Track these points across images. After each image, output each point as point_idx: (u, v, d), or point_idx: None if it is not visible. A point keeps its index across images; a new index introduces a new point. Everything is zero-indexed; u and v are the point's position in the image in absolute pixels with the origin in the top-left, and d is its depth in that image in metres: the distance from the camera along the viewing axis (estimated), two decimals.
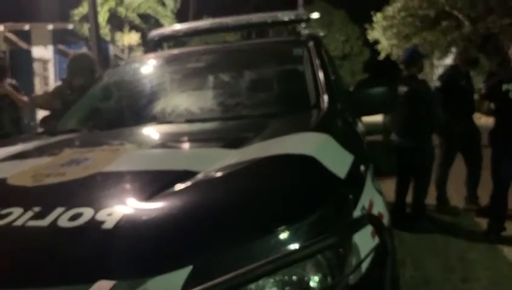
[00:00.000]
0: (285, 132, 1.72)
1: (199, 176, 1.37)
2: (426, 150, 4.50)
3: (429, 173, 4.63)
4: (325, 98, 2.22)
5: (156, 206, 1.22)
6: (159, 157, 1.71)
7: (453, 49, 19.82)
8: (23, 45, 10.62)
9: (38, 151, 2.09)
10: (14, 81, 5.08)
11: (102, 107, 2.90)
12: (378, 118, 7.91)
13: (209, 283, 0.94)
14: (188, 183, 1.32)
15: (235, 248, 1.04)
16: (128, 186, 1.42)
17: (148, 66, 3.18)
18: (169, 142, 2.03)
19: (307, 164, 1.38)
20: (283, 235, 1.07)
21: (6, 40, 10.22)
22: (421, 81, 4.86)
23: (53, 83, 13.41)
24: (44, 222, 1.16)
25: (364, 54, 33.13)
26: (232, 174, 1.37)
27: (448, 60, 21.07)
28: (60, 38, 12.51)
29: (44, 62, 13.48)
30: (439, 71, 20.94)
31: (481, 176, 4.92)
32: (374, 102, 2.32)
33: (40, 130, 3.05)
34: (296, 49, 2.85)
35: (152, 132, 2.25)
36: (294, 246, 1.05)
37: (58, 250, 1.10)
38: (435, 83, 5.25)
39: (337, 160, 1.47)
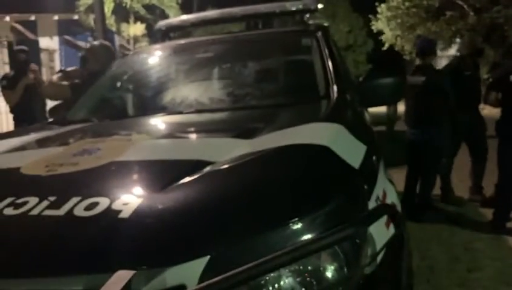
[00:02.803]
0: (296, 122, 1.72)
1: (213, 166, 1.36)
2: (434, 140, 4.49)
3: (438, 163, 4.65)
4: (335, 88, 2.23)
5: (172, 195, 1.22)
6: (171, 147, 1.71)
7: (457, 40, 19.72)
8: (29, 35, 10.65)
9: (50, 141, 2.10)
10: (37, 67, 5.25)
11: (112, 97, 2.92)
12: (382, 109, 7.92)
13: (227, 274, 0.94)
14: (203, 173, 1.32)
15: (252, 238, 1.04)
16: (142, 175, 1.42)
17: (158, 56, 3.18)
18: (181, 132, 2.04)
19: (321, 154, 1.37)
20: (300, 226, 1.06)
21: (13, 30, 10.25)
22: (438, 71, 4.86)
23: None
24: (61, 211, 1.16)
25: (368, 44, 32.95)
26: (247, 164, 1.37)
27: (452, 51, 20.95)
28: (65, 28, 12.52)
29: (50, 53, 13.49)
30: (442, 62, 20.86)
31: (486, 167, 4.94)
32: (383, 93, 2.31)
33: (49, 119, 3.05)
34: (305, 39, 2.85)
35: (162, 122, 2.26)
36: (311, 237, 1.05)
37: (75, 239, 1.09)
38: None
39: (350, 150, 1.46)
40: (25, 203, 1.21)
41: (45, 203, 1.20)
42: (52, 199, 1.22)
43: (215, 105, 2.41)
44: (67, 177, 1.41)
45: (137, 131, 2.14)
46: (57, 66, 13.72)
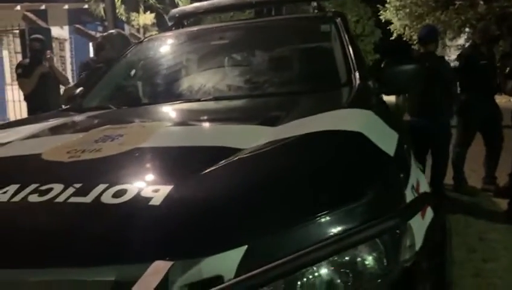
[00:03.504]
0: (322, 109, 1.67)
1: (242, 153, 1.32)
2: (442, 129, 4.50)
3: (446, 152, 4.64)
4: (357, 75, 2.20)
5: (204, 182, 1.18)
6: (194, 134, 1.68)
7: (467, 29, 19.55)
8: (41, 23, 10.67)
9: (68, 128, 2.10)
10: (52, 55, 5.30)
11: (127, 84, 2.91)
12: (391, 98, 7.87)
13: (268, 266, 0.91)
14: (233, 160, 1.27)
15: (289, 228, 1.00)
16: (168, 162, 1.38)
17: (173, 43, 3.15)
18: (202, 119, 2.02)
19: (356, 141, 1.32)
20: (339, 216, 1.02)
21: (26, 18, 10.28)
22: (440, 58, 4.84)
23: (69, 63, 13.48)
24: (87, 199, 1.11)
25: (376, 34, 32.68)
26: (279, 150, 1.33)
27: (461, 41, 20.79)
28: (75, 18, 12.53)
29: (60, 42, 13.50)
30: (451, 51, 20.69)
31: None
32: (403, 80, 2.27)
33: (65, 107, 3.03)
34: (324, 25, 2.78)
35: (181, 110, 2.24)
36: (350, 228, 1.00)
37: (104, 227, 1.05)
38: (454, 62, 5.24)
39: (384, 137, 1.41)
40: (50, 190, 1.17)
41: (71, 190, 1.16)
42: (77, 185, 1.18)
43: (233, 92, 2.38)
44: (91, 163, 1.38)
45: (157, 118, 2.15)
46: (68, 55, 13.76)
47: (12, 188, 1.22)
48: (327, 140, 1.36)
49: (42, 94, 5.27)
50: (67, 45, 13.92)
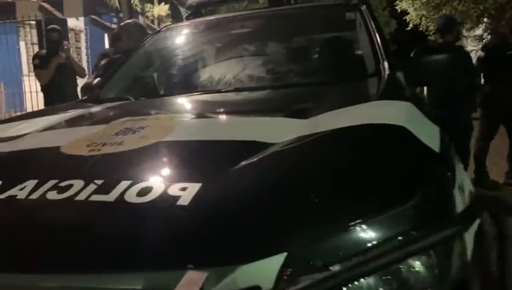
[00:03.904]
0: (355, 100, 1.57)
1: (276, 148, 1.23)
2: (461, 121, 4.37)
3: (467, 146, 4.53)
4: (386, 65, 2.11)
5: (236, 180, 1.10)
6: (221, 127, 1.61)
7: (485, 20, 19.20)
8: (57, 14, 10.72)
9: (86, 119, 2.05)
10: (69, 45, 5.32)
11: (145, 75, 2.85)
12: None
13: (318, 277, 0.83)
14: (266, 156, 1.18)
15: (333, 234, 0.90)
16: (195, 157, 1.29)
17: (192, 32, 3.08)
18: (225, 111, 1.96)
19: (401, 136, 1.22)
20: (387, 220, 0.92)
21: (42, 9, 10.32)
22: (459, 48, 4.73)
23: (84, 55, 13.53)
24: (110, 197, 1.04)
25: (391, 25, 32.32)
26: (316, 146, 1.23)
27: (479, 31, 20.45)
28: (91, 9, 12.52)
29: (76, 33, 13.54)
30: (468, 42, 20.37)
31: None
32: (433, 71, 2.18)
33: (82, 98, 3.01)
34: (349, 13, 2.68)
35: (202, 101, 2.17)
36: (399, 233, 0.90)
37: (130, 230, 0.97)
38: (478, 53, 5.12)
39: (426, 131, 1.31)
40: (70, 186, 1.10)
41: (92, 187, 1.09)
42: (99, 182, 1.11)
43: (255, 83, 2.29)
44: (113, 158, 1.31)
45: (177, 110, 2.10)
46: (83, 46, 13.81)
47: (30, 184, 1.15)
48: (369, 135, 1.25)
49: (59, 85, 5.28)
50: (82, 36, 13.98)
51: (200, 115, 1.88)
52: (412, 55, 2.21)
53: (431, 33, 20.36)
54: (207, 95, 2.24)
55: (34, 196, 1.10)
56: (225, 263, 0.86)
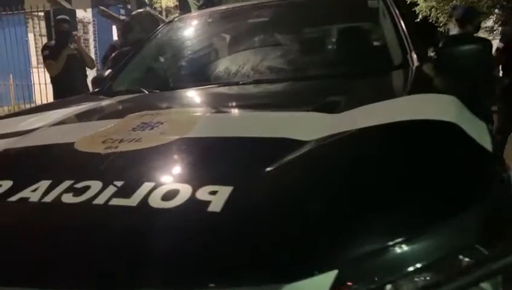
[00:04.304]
0: (388, 94, 1.46)
1: (310, 146, 1.11)
2: (484, 115, 4.29)
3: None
4: (413, 55, 2.00)
5: (271, 183, 0.98)
6: (244, 122, 1.49)
7: (496, 11, 18.97)
8: (65, 5, 10.65)
9: (100, 113, 1.96)
10: (79, 35, 5.27)
11: (159, 66, 2.74)
12: None
13: None
14: (301, 155, 1.07)
15: (390, 247, 0.79)
16: (222, 155, 1.19)
17: (207, 22, 2.94)
18: (247, 105, 1.85)
19: (453, 134, 1.09)
20: (452, 232, 0.81)
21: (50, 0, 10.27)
22: (482, 38, 4.63)
23: (93, 46, 13.49)
24: (132, 201, 0.93)
25: None
26: (361, 145, 1.11)
27: (490, 23, 20.20)
28: (98, 0, 12.48)
29: (84, 24, 13.48)
30: (479, 34, 20.13)
31: None
32: (465, 62, 2.05)
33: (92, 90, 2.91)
34: (371, 0, 2.55)
35: (221, 94, 2.07)
36: (467, 246, 0.80)
37: (155, 242, 0.85)
38: (497, 44, 5.01)
39: (476, 128, 1.19)
40: (87, 188, 1.00)
41: (111, 189, 0.99)
42: (118, 184, 1.01)
43: (274, 75, 2.18)
44: (131, 156, 1.20)
45: (196, 103, 2.01)
46: (91, 38, 13.76)
47: (43, 185, 1.05)
48: (417, 132, 1.13)
49: (69, 77, 5.22)
50: (90, 28, 13.91)
51: (221, 109, 1.75)
52: (440, 45, 2.10)
53: (441, 25, 20.23)
54: (225, 87, 2.14)
55: (48, 199, 1.00)
56: (269, 283, 0.76)
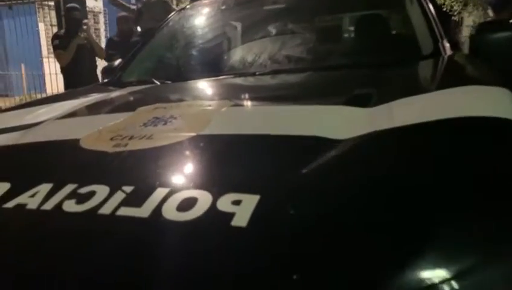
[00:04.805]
0: (426, 86, 1.35)
1: (346, 146, 0.98)
2: None
3: None
4: (446, 44, 1.86)
5: (305, 192, 0.83)
6: (268, 118, 1.31)
7: None
8: None
9: (109, 106, 1.86)
10: (89, 24, 5.21)
11: (171, 56, 2.64)
12: None
13: None
14: (337, 157, 0.95)
15: (461, 267, 0.65)
16: (244, 156, 1.05)
17: (221, 9, 2.80)
18: (269, 98, 1.69)
19: (509, 133, 0.97)
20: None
21: None
22: None
23: (103, 37, 13.39)
24: (144, 211, 0.81)
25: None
26: (407, 146, 0.97)
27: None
28: None
29: (94, 14, 13.39)
30: None
31: None
32: (500, 50, 1.89)
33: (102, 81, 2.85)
34: None
35: (238, 85, 1.95)
36: None
37: (171, 261, 0.72)
38: None
39: None
40: (92, 194, 0.89)
41: (119, 195, 0.87)
42: (127, 189, 0.89)
43: (294, 65, 2.04)
44: (142, 156, 1.08)
45: (211, 96, 1.88)
46: (102, 28, 13.66)
47: (43, 189, 0.94)
48: (472, 131, 1.00)
49: (79, 66, 5.13)
50: (101, 18, 13.82)
51: (238, 103, 1.58)
52: (474, 32, 1.95)
53: (455, 13, 19.88)
54: (240, 78, 2.02)
55: (47, 206, 0.88)
56: None
